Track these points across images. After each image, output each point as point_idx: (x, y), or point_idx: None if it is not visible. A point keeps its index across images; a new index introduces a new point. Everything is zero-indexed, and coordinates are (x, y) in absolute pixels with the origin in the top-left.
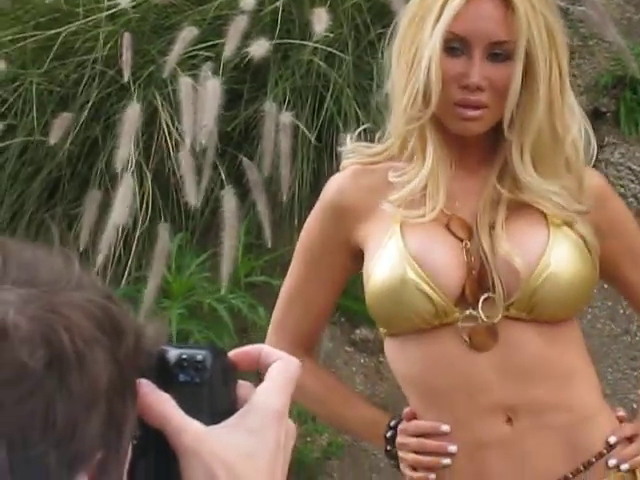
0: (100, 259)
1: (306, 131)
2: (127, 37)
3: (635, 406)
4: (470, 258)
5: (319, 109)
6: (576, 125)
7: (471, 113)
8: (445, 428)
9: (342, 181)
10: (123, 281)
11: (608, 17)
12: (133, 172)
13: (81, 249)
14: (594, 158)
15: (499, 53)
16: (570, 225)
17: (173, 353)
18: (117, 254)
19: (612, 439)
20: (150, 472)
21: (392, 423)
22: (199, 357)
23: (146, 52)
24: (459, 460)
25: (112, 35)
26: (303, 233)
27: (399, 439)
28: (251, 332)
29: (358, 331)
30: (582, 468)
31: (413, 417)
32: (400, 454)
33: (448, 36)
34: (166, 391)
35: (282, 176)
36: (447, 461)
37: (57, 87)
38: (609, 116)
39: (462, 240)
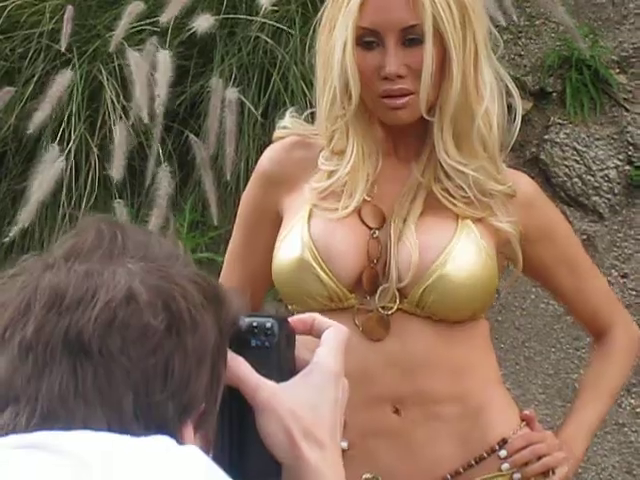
0: (15, 231)
1: (252, 108)
2: (70, 10)
3: (577, 386)
4: (375, 247)
5: (266, 86)
6: (493, 103)
7: (398, 102)
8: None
9: (277, 151)
10: None
11: None
12: (71, 145)
13: (26, 225)
14: (515, 136)
15: (413, 38)
16: (482, 221)
17: (244, 321)
18: (58, 229)
19: (503, 453)
20: (225, 425)
21: None
22: (268, 324)
23: (92, 27)
24: (351, 447)
25: (58, 9)
26: (242, 199)
27: None
28: None
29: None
30: (473, 462)
31: None
32: None
33: (359, 32)
34: (240, 355)
35: (226, 153)
36: None
37: (2, 61)
38: (555, 96)
39: (371, 228)
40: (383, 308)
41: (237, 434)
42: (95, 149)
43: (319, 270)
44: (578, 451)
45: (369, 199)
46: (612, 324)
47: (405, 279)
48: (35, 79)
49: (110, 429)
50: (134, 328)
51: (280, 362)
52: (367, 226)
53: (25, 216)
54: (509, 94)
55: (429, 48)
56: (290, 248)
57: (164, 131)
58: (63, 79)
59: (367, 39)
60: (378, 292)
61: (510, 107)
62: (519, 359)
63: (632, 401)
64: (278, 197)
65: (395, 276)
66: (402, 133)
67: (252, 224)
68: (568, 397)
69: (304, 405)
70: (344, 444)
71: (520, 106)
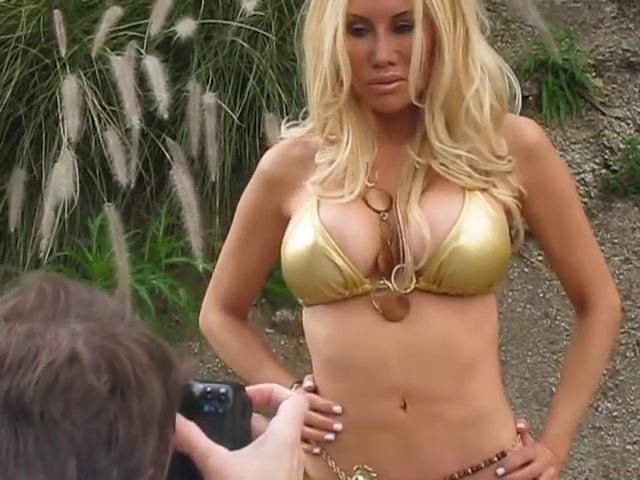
0: (45, 243)
1: (230, 112)
2: (57, 14)
3: (554, 390)
4: (387, 230)
5: (242, 90)
6: (484, 83)
7: (387, 87)
8: (337, 409)
9: (275, 152)
10: (44, 261)
11: (530, 1)
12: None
13: (12, 230)
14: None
15: (404, 25)
16: (487, 191)
17: (198, 387)
18: (39, 234)
19: (500, 470)
20: None
21: (291, 388)
22: (222, 390)
23: (69, 31)
24: (348, 435)
25: (35, 14)
26: (241, 199)
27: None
28: (171, 313)
29: (279, 313)
30: (470, 471)
31: (312, 391)
32: None
33: (349, 19)
34: (191, 420)
35: (209, 156)
36: (330, 436)
37: None
38: (531, 100)
39: (380, 212)
40: (400, 288)
41: None
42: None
43: (335, 255)
44: (562, 452)
45: (372, 185)
46: (596, 302)
47: (421, 259)
48: (13, 84)
49: None
50: (77, 390)
51: (233, 429)
52: (375, 210)
53: (47, 226)
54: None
55: (419, 34)
56: (302, 236)
57: (141, 135)
58: (69, 84)
59: (357, 26)
60: (393, 273)
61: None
62: None
63: (609, 405)
64: (280, 197)
65: (411, 258)
66: (394, 120)
67: (250, 223)
68: (545, 401)
69: (256, 473)
70: (338, 426)
71: (519, 87)
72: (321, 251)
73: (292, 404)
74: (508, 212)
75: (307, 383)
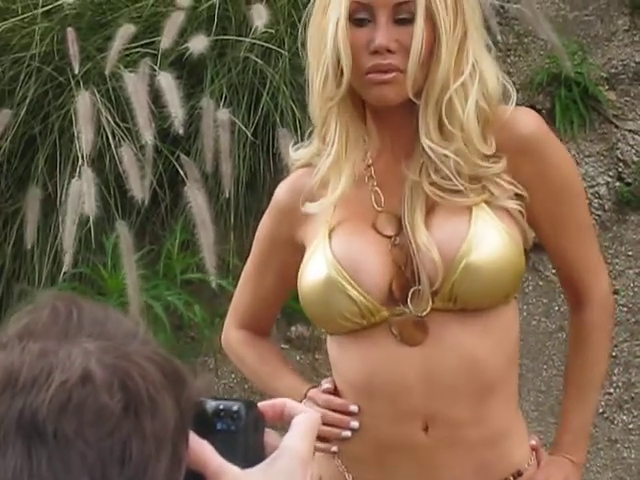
0: (67, 259)
1: (243, 128)
2: (71, 32)
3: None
4: (399, 254)
5: (255, 106)
6: (473, 82)
7: (384, 77)
8: (353, 408)
9: (288, 182)
10: (59, 278)
11: (542, 15)
12: (80, 167)
13: (28, 247)
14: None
15: (405, 17)
16: (491, 202)
17: (210, 404)
18: (55, 250)
19: None
20: None
21: (308, 393)
22: (235, 408)
23: (83, 49)
24: (368, 453)
25: (48, 32)
26: (258, 227)
27: (305, 405)
28: (187, 329)
29: (294, 328)
30: None
31: (331, 392)
32: None
33: (352, 7)
34: (204, 438)
35: (223, 172)
36: (347, 433)
37: None
38: (544, 113)
39: (390, 237)
40: (417, 311)
41: None
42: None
43: (348, 287)
44: (580, 457)
45: (380, 209)
46: (588, 296)
47: (436, 281)
48: (27, 102)
49: None
50: (90, 409)
51: (246, 447)
52: (385, 236)
53: (67, 241)
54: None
55: (420, 25)
56: (315, 269)
57: (155, 152)
58: (83, 100)
59: (359, 16)
60: (409, 296)
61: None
62: None
63: (624, 417)
64: (293, 226)
65: (427, 281)
66: (396, 127)
67: (266, 251)
68: None
69: None
70: (355, 424)
71: (515, 94)
72: (334, 284)
73: (305, 419)
74: (515, 218)
75: (325, 385)
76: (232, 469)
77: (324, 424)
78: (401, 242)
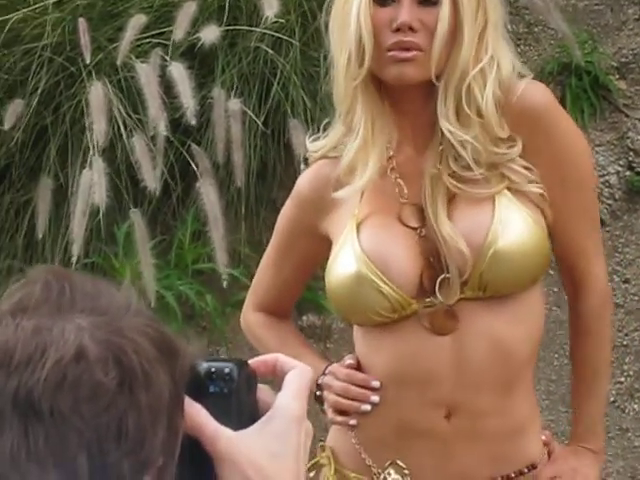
0: (77, 249)
1: (254, 118)
2: (82, 22)
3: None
4: (426, 245)
5: (266, 96)
6: (491, 70)
7: (406, 54)
8: (375, 383)
9: (310, 172)
10: (71, 268)
11: (553, 4)
12: (91, 157)
13: (39, 237)
14: None
15: None
16: (512, 188)
17: (202, 367)
18: (66, 240)
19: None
20: (185, 475)
21: (330, 367)
22: (226, 370)
23: (94, 39)
24: (387, 436)
25: (59, 22)
26: (279, 216)
27: (326, 379)
28: (198, 318)
29: (305, 317)
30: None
31: (353, 368)
32: (325, 393)
33: None
34: (198, 401)
35: (235, 162)
36: (366, 407)
37: (4, 74)
38: None
39: (416, 229)
40: (446, 300)
41: None
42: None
43: (379, 282)
44: (598, 445)
45: (405, 201)
46: (585, 285)
47: (465, 271)
48: (39, 92)
49: None
50: (85, 386)
51: (240, 408)
52: (412, 228)
53: (77, 232)
54: None
55: (446, 6)
56: (344, 264)
57: (166, 142)
58: (96, 91)
59: None
60: (437, 286)
61: None
62: None
63: (635, 406)
64: (316, 216)
65: (456, 272)
66: (414, 113)
67: (287, 238)
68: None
69: (265, 453)
70: (375, 398)
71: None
72: (365, 280)
73: (297, 376)
74: (535, 202)
75: (348, 361)
76: (226, 432)
77: (345, 397)
78: (427, 233)
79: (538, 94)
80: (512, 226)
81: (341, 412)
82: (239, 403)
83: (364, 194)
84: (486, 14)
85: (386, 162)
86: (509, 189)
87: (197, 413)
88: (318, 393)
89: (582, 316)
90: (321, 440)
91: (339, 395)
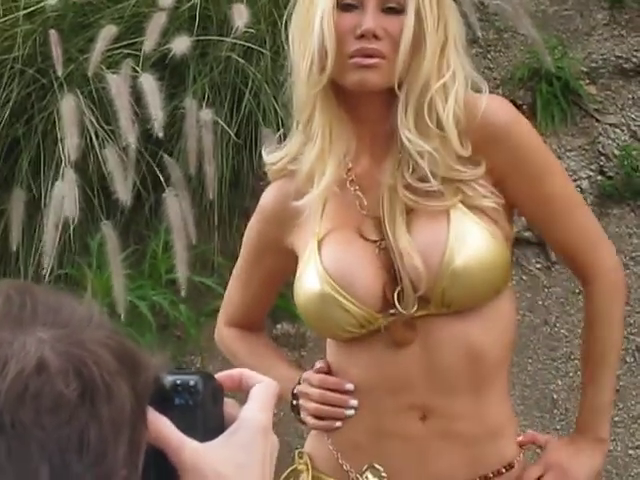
0: (48, 261)
1: (226, 127)
2: (53, 34)
3: (555, 396)
4: (386, 258)
5: (238, 105)
6: (453, 84)
7: (369, 61)
8: (349, 386)
9: (272, 188)
10: (45, 279)
11: (523, 10)
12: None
13: (13, 249)
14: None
15: (393, 7)
16: (465, 202)
17: (168, 379)
18: (39, 252)
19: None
20: None
21: (303, 375)
22: (192, 382)
23: (65, 51)
24: (363, 440)
25: (30, 34)
26: (247, 228)
27: (301, 387)
28: (172, 328)
29: (279, 326)
30: None
31: (324, 372)
32: (301, 402)
33: None
34: (163, 414)
35: (207, 173)
36: (350, 412)
37: None
38: (525, 109)
39: (376, 241)
40: (405, 310)
41: None
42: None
43: (343, 300)
44: (601, 432)
45: (365, 213)
46: (594, 269)
47: (420, 286)
48: (10, 104)
49: None
50: (47, 398)
51: (205, 420)
52: (371, 241)
53: (49, 244)
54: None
55: (411, 15)
56: (309, 283)
57: (138, 153)
58: (68, 103)
59: (347, 1)
60: (395, 297)
61: None
62: None
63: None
64: (281, 232)
65: (409, 285)
66: (374, 121)
67: (254, 253)
68: (546, 408)
69: (231, 464)
70: (354, 402)
71: (486, 89)
72: (330, 298)
73: (262, 389)
74: (491, 216)
75: (319, 365)
76: (193, 444)
77: (324, 404)
78: (387, 246)
79: (501, 111)
80: (469, 241)
81: (322, 418)
82: (205, 415)
83: (325, 208)
84: (446, 28)
85: (345, 174)
86: (463, 203)
87: (162, 424)
88: (294, 402)
89: (592, 300)
90: (297, 448)
91: (318, 402)
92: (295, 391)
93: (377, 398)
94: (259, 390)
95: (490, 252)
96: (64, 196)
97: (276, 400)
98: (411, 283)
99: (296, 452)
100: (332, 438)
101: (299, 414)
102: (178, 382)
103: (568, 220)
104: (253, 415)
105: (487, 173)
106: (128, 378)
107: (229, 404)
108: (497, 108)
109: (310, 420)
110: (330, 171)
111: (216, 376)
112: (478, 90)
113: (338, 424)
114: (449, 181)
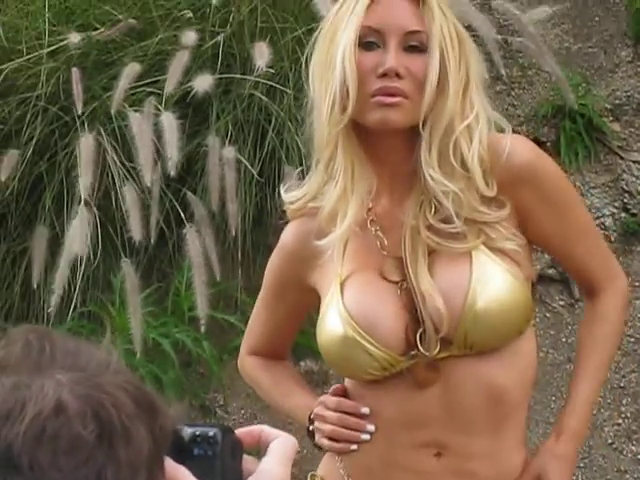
0: (54, 300)
1: (249, 165)
2: (75, 72)
3: None
4: (408, 299)
5: (261, 143)
6: (477, 125)
7: (391, 99)
8: (365, 410)
9: (292, 226)
10: (68, 317)
11: (546, 48)
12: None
13: (34, 286)
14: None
15: (414, 45)
16: (488, 243)
17: (187, 431)
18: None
19: None
20: None
21: (320, 397)
22: (211, 433)
23: (88, 88)
24: (378, 470)
25: (54, 72)
26: (267, 266)
27: (317, 409)
28: (195, 365)
29: (303, 363)
30: None
31: (341, 394)
32: (316, 424)
33: (363, 31)
34: (181, 464)
35: (230, 211)
36: (366, 437)
37: (0, 124)
38: (549, 146)
39: (398, 282)
40: (427, 352)
41: None
42: (95, 209)
43: (366, 344)
44: (580, 426)
45: (386, 253)
46: (604, 289)
47: (442, 328)
48: (34, 142)
49: None
50: (64, 439)
51: (224, 471)
52: (393, 282)
53: (58, 282)
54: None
55: (436, 55)
56: (331, 326)
57: (161, 190)
58: (86, 142)
59: (369, 39)
60: (418, 339)
61: None
62: None
63: (633, 448)
64: (302, 269)
65: (431, 327)
66: (395, 162)
67: (273, 291)
68: None
69: None
70: (371, 427)
71: (510, 130)
72: (352, 342)
73: (281, 444)
74: (513, 258)
75: (335, 386)
76: None
77: (340, 427)
78: (408, 287)
79: (525, 151)
80: (491, 283)
81: (335, 440)
82: (223, 467)
83: (346, 249)
84: (468, 67)
85: (365, 213)
86: (485, 244)
87: (181, 474)
88: (311, 428)
89: (599, 312)
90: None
91: (335, 425)
92: (311, 416)
93: (393, 430)
94: (278, 444)
95: (512, 294)
96: (77, 234)
97: (294, 454)
98: (433, 325)
99: (309, 475)
100: (345, 462)
101: (314, 438)
102: (197, 433)
103: (589, 249)
104: (270, 468)
105: (510, 213)
106: (146, 422)
107: (249, 460)
108: (521, 148)
109: (325, 442)
110: (352, 211)
111: (236, 432)
112: (499, 130)
113: (354, 447)
114: (472, 222)
